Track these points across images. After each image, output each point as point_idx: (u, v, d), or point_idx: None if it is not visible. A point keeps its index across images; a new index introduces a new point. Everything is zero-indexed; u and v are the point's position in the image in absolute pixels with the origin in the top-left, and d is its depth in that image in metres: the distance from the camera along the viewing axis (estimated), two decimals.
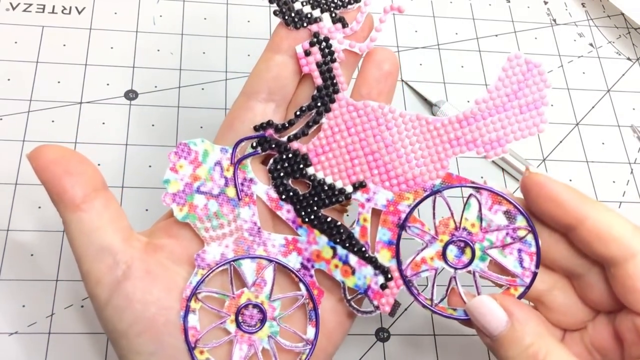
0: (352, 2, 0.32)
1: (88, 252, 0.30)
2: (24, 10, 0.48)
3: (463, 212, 0.32)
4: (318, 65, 0.32)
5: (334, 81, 0.32)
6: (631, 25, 0.56)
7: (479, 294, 0.32)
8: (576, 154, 0.49)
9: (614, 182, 0.48)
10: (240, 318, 0.31)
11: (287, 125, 0.32)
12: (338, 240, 0.32)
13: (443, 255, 0.32)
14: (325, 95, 0.32)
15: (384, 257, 0.32)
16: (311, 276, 0.32)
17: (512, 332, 0.29)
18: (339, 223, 0.32)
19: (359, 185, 0.32)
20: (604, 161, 0.49)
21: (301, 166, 0.32)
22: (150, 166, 0.43)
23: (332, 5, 0.32)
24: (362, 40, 0.32)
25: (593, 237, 0.29)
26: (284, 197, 0.32)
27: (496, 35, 0.53)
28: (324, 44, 0.32)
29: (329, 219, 0.32)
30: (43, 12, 0.48)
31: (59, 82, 0.45)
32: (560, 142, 0.49)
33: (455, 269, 0.32)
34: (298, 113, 0.32)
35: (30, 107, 0.44)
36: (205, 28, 0.49)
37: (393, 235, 0.32)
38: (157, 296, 0.30)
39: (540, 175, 0.30)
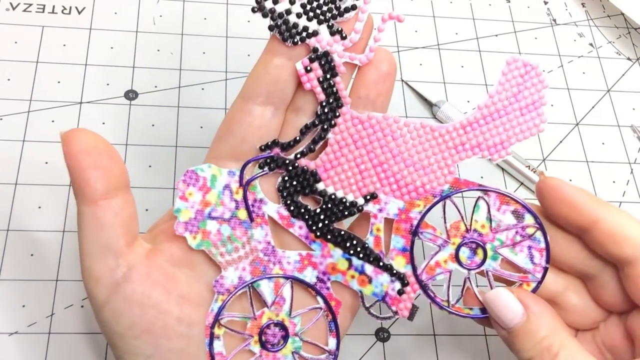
0: (349, 9, 0.31)
1: (93, 249, 0.29)
2: (24, 10, 0.48)
3: (472, 214, 0.32)
4: (319, 80, 0.32)
5: (337, 96, 0.32)
6: (631, 25, 0.56)
7: None
8: (576, 154, 0.49)
9: (614, 182, 0.48)
10: (263, 338, 0.31)
11: (293, 143, 0.32)
12: (353, 251, 0.32)
13: (456, 258, 0.32)
14: (329, 111, 0.32)
15: (399, 263, 0.32)
16: (328, 288, 0.32)
17: (527, 324, 0.30)
18: (353, 235, 0.32)
19: (370, 197, 0.32)
20: (604, 161, 0.49)
21: (311, 182, 0.32)
22: (150, 166, 0.43)
23: (329, 15, 0.31)
24: (362, 48, 0.32)
25: (607, 238, 0.30)
26: (295, 214, 0.32)
27: (496, 35, 0.53)
28: (324, 59, 0.31)
29: (342, 232, 0.32)
30: (43, 12, 0.48)
31: (59, 82, 0.45)
32: (560, 142, 0.49)
33: (469, 269, 0.32)
34: (303, 130, 0.32)
35: (30, 107, 0.44)
36: (205, 28, 0.49)
37: (406, 242, 0.32)
38: (156, 300, 0.29)
39: (555, 179, 0.31)
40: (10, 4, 0.48)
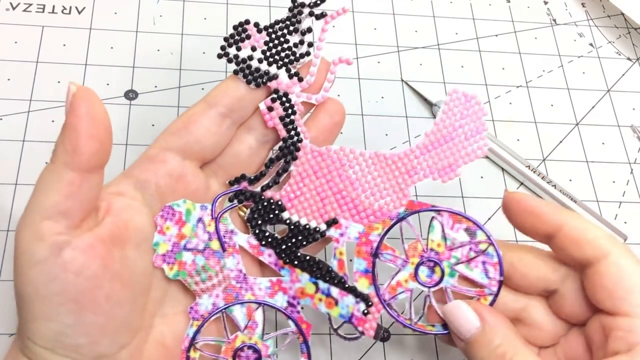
0: (304, 55, 0.34)
1: (50, 208, 0.29)
2: (24, 10, 0.48)
3: (428, 234, 0.34)
4: (281, 118, 0.35)
5: (297, 132, 0.35)
6: (631, 25, 0.56)
7: None
8: (576, 154, 0.49)
9: (614, 182, 0.48)
10: None
11: (259, 176, 0.35)
12: (319, 275, 0.34)
13: (416, 276, 0.34)
14: (291, 145, 0.35)
15: (363, 285, 0.34)
16: (298, 312, 0.34)
17: (482, 334, 0.32)
18: (317, 259, 0.35)
19: (332, 223, 0.35)
20: (604, 161, 0.49)
21: (277, 212, 0.35)
22: None
23: (287, 60, 0.35)
24: (318, 88, 0.35)
25: (569, 241, 0.32)
26: (264, 242, 0.35)
27: (496, 35, 0.53)
28: (284, 99, 0.35)
29: (307, 257, 0.35)
30: (43, 12, 0.48)
31: (59, 82, 0.45)
32: (560, 142, 0.49)
33: (429, 287, 0.34)
34: (268, 164, 0.35)
35: (30, 107, 0.44)
36: (205, 28, 0.49)
37: (368, 264, 0.34)
38: (93, 272, 0.29)
39: (517, 193, 0.34)
40: (10, 4, 0.48)
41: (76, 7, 0.48)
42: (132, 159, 0.43)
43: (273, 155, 0.35)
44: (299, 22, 0.35)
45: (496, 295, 0.34)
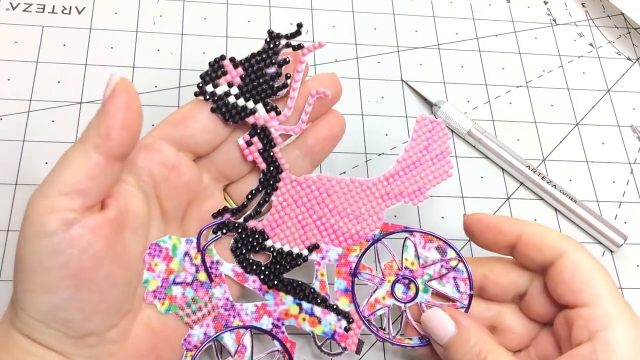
0: (281, 87, 0.35)
1: (68, 185, 0.29)
2: (24, 10, 0.48)
3: (402, 254, 0.37)
4: (260, 152, 0.35)
5: (277, 164, 0.36)
6: (631, 25, 0.56)
7: None
8: (576, 154, 0.49)
9: (614, 182, 0.48)
10: None
11: (241, 208, 0.36)
12: (302, 296, 0.36)
13: (392, 293, 0.36)
14: (271, 177, 0.36)
15: (343, 303, 0.36)
16: (283, 332, 0.36)
17: (458, 337, 0.34)
18: (300, 282, 0.36)
19: (313, 248, 0.36)
20: (604, 161, 0.49)
21: (260, 241, 0.36)
22: None
23: (263, 95, 0.35)
24: (296, 120, 0.36)
25: (529, 247, 0.35)
26: (248, 270, 0.36)
27: (496, 35, 0.53)
28: (262, 133, 0.35)
29: (291, 281, 0.36)
30: (43, 12, 0.48)
31: (59, 82, 0.45)
32: (560, 142, 0.49)
33: (405, 303, 0.36)
34: (249, 196, 0.36)
35: (30, 107, 0.44)
36: (205, 28, 0.49)
37: (348, 283, 0.36)
38: (97, 251, 0.30)
39: (476, 213, 0.37)
40: (10, 4, 0.48)
41: (76, 7, 0.48)
42: None
43: (254, 188, 0.36)
44: (276, 53, 0.35)
45: (467, 308, 0.36)
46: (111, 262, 0.30)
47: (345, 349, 0.36)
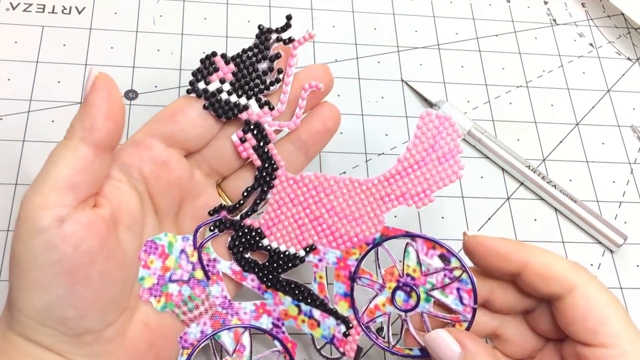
0: (273, 82, 0.34)
1: (60, 180, 0.29)
2: (24, 10, 0.48)
3: (404, 259, 0.35)
4: (254, 148, 0.35)
5: (272, 161, 0.35)
6: (631, 25, 0.56)
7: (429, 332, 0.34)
8: (576, 154, 0.49)
9: (614, 182, 0.48)
10: None
11: (237, 205, 0.36)
12: (300, 298, 0.35)
13: (393, 301, 0.35)
14: (266, 174, 0.35)
15: (342, 307, 0.35)
16: (283, 332, 0.36)
17: None
18: (299, 283, 0.36)
19: (310, 249, 0.36)
20: (604, 161, 0.49)
21: (257, 239, 0.36)
22: None
23: (256, 90, 0.35)
24: (290, 115, 0.35)
25: (536, 278, 0.32)
26: (246, 268, 0.36)
27: (496, 35, 0.53)
28: (256, 129, 0.35)
29: (289, 281, 0.36)
30: (43, 12, 0.48)
31: (59, 82, 0.45)
32: (560, 142, 0.49)
33: (405, 311, 0.35)
34: (245, 194, 0.35)
35: (30, 107, 0.44)
36: (205, 28, 0.49)
37: (347, 287, 0.35)
38: (90, 248, 0.30)
39: (478, 236, 0.34)
40: (10, 4, 0.48)
41: (76, 7, 0.48)
42: None
43: (250, 185, 0.36)
44: (267, 48, 0.35)
45: (470, 322, 0.34)
46: (105, 259, 0.30)
47: (343, 354, 0.35)
